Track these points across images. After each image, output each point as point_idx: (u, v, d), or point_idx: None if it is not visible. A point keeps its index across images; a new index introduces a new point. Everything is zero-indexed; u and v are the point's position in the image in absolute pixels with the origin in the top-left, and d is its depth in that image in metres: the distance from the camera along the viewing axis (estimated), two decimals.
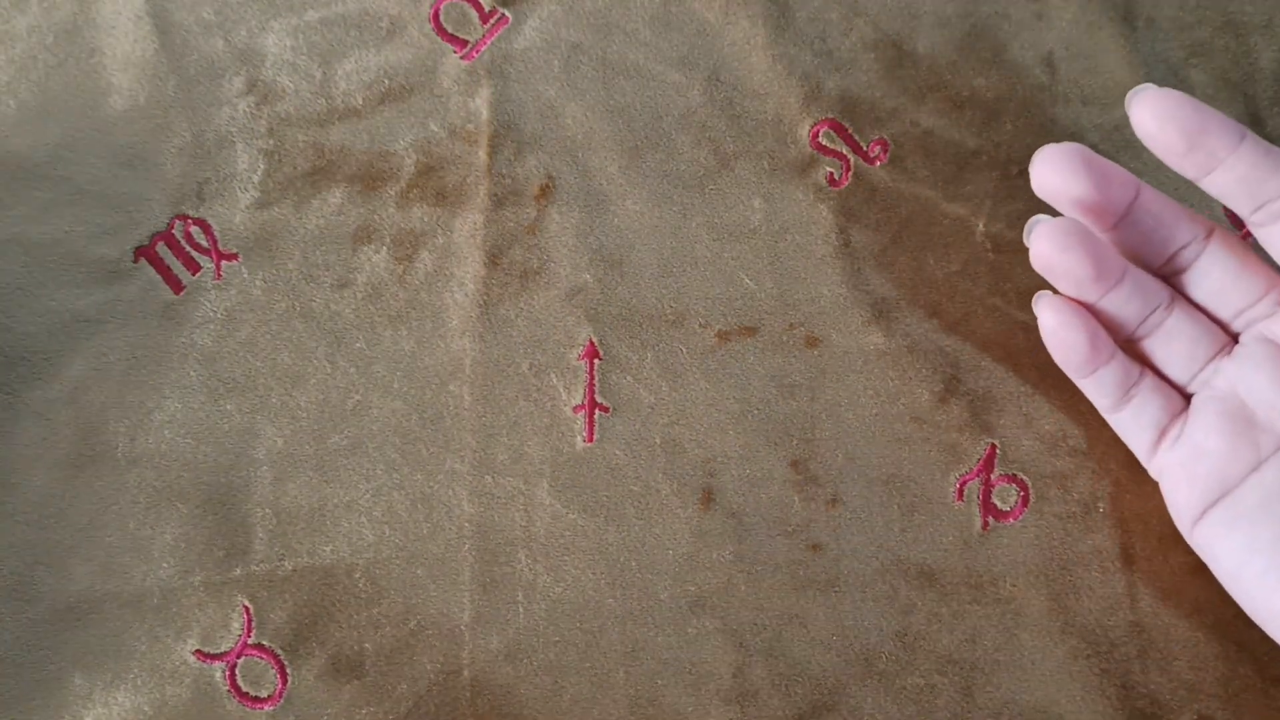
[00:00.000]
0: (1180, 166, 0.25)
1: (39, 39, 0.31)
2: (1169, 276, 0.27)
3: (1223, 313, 0.27)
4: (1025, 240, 0.27)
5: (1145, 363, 0.27)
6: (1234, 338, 0.27)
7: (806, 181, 0.30)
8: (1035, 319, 0.29)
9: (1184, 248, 0.26)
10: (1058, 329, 0.26)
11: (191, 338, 0.30)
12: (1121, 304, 0.26)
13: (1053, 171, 0.25)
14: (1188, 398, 0.27)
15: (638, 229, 0.30)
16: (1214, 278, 0.26)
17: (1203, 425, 0.26)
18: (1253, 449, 0.26)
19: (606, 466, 0.29)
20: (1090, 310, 0.27)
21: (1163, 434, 0.27)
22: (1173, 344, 0.27)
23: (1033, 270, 0.30)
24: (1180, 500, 0.26)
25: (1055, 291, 0.27)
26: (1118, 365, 0.27)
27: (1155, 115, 0.24)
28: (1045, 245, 0.26)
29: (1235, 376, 0.26)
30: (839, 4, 0.31)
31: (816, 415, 0.29)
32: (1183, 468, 0.26)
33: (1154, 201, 0.26)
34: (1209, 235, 0.26)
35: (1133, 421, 0.27)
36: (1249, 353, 0.26)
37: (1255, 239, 0.26)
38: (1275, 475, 0.25)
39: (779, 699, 0.28)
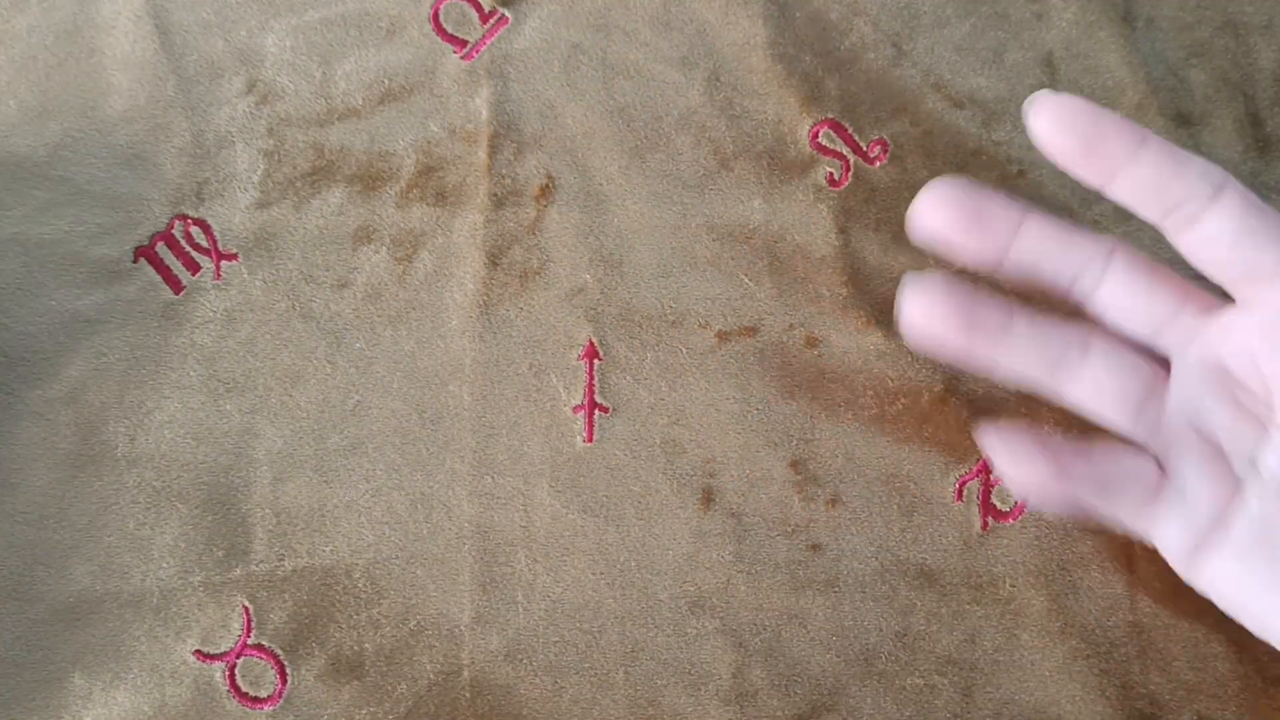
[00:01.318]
0: (1080, 174, 0.24)
1: (39, 39, 0.31)
2: (1080, 306, 0.26)
3: (1142, 333, 0.25)
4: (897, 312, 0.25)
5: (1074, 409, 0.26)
6: (1162, 361, 0.26)
7: (806, 181, 0.30)
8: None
9: (1083, 272, 0.25)
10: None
11: (191, 338, 0.30)
12: (1018, 355, 0.25)
13: (928, 213, 0.24)
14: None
15: (638, 229, 0.30)
16: (1123, 299, 0.25)
17: (1186, 472, 0.25)
18: (1228, 478, 0.24)
19: (606, 466, 0.29)
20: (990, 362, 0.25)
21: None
22: (1100, 385, 0.25)
23: None
24: (1173, 548, 0.25)
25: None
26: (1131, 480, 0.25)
27: (1050, 121, 0.23)
28: (917, 317, 0.25)
29: (1182, 410, 0.25)
30: (839, 4, 0.31)
31: (816, 415, 0.29)
32: (1171, 517, 0.25)
33: (1043, 228, 0.25)
34: (1110, 254, 0.25)
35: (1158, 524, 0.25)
36: (1188, 379, 0.25)
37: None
38: (1258, 504, 0.24)
39: (779, 699, 0.28)
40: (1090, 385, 0.25)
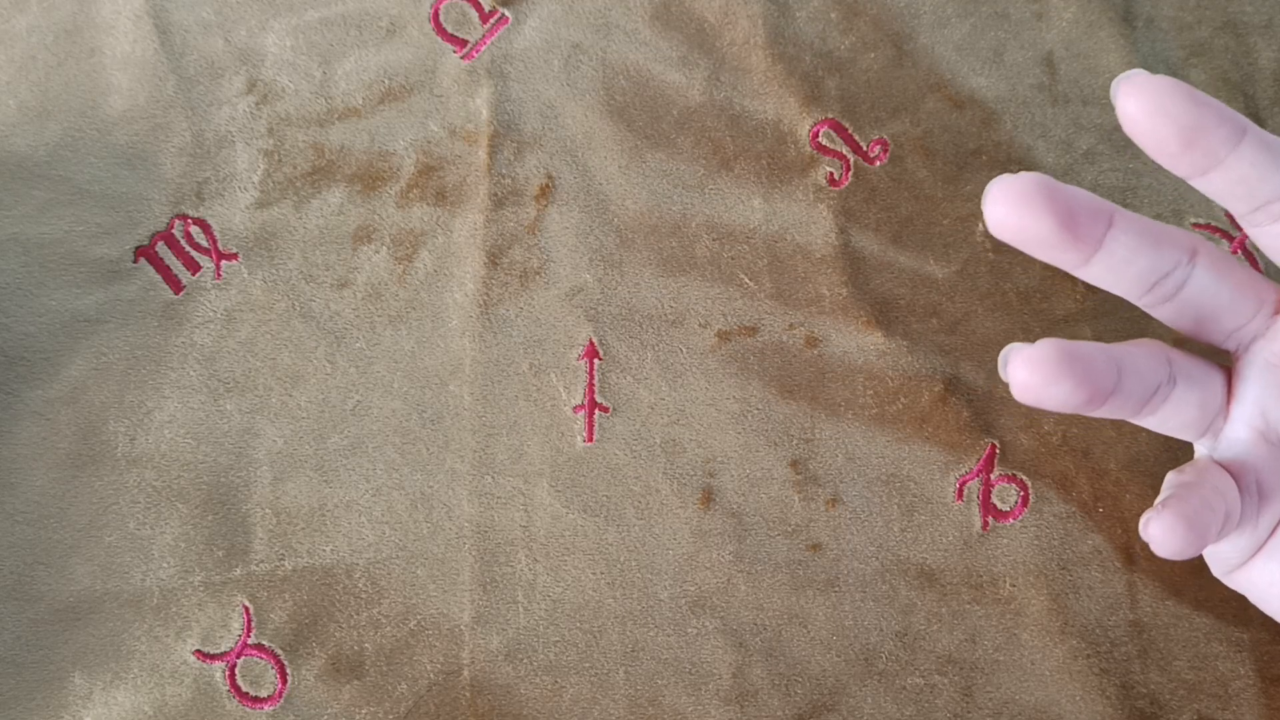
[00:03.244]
0: (1172, 165, 0.22)
1: (39, 39, 0.31)
2: (1153, 305, 0.24)
3: (1214, 337, 0.24)
4: (1001, 373, 0.23)
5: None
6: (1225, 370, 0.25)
7: (806, 181, 0.30)
8: (1034, 319, 0.29)
9: (1168, 275, 0.23)
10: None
11: (191, 338, 0.30)
12: (1120, 408, 0.23)
13: (1011, 210, 0.21)
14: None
15: (638, 229, 0.30)
16: (1205, 302, 0.23)
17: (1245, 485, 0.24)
18: None
19: (606, 466, 0.29)
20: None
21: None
22: (1182, 411, 0.24)
23: (1032, 270, 0.30)
24: (1224, 559, 0.25)
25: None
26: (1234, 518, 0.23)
27: (1146, 108, 0.21)
28: (1028, 378, 0.22)
29: (1248, 417, 0.24)
30: (839, 4, 0.31)
31: (816, 415, 0.29)
32: (1237, 534, 0.24)
33: (1131, 228, 0.22)
34: (1193, 256, 0.23)
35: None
36: (1257, 381, 0.24)
37: (1250, 239, 0.24)
38: None
39: (779, 699, 0.28)
40: (1172, 411, 0.24)
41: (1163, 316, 0.24)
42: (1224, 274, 0.23)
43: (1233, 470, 0.24)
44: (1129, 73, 0.21)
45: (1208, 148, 0.21)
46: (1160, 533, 0.22)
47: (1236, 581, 0.25)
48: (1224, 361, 0.25)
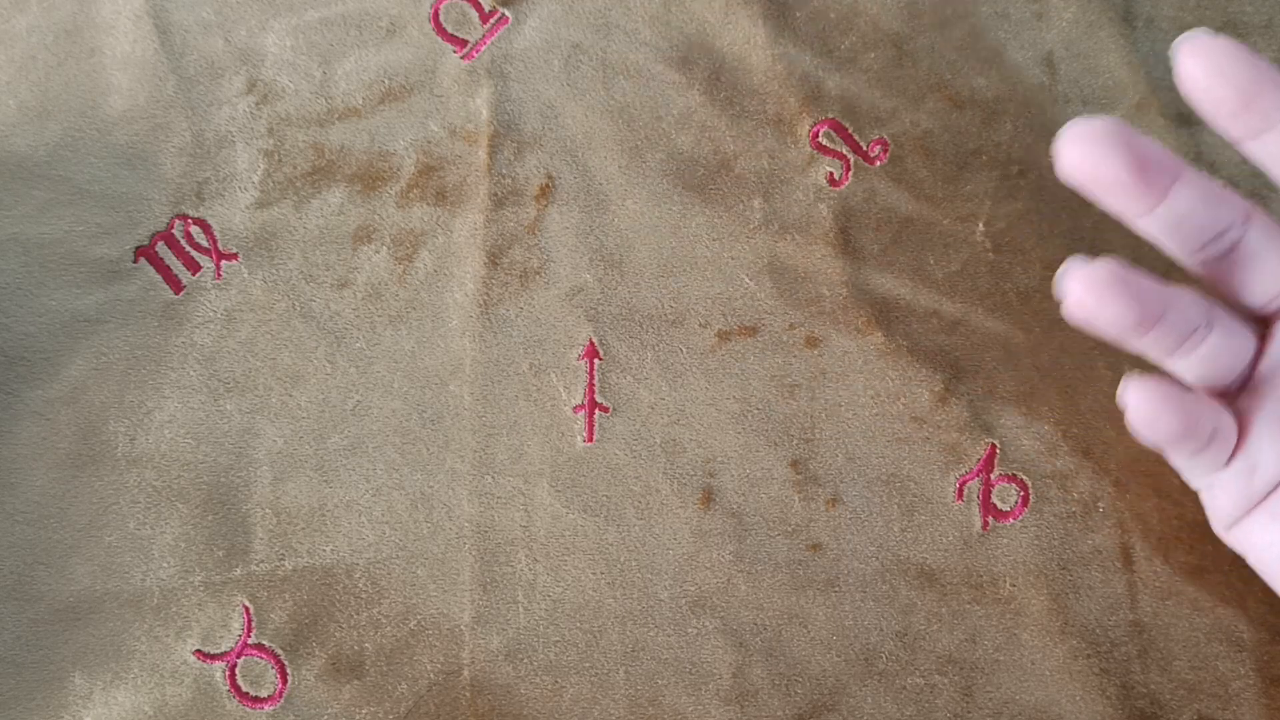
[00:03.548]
0: (1226, 126, 0.22)
1: (39, 39, 0.31)
2: (1203, 264, 0.24)
3: (1256, 299, 0.24)
4: (1056, 291, 0.24)
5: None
6: (1264, 322, 0.25)
7: (806, 181, 0.30)
8: (1034, 318, 0.29)
9: (1223, 234, 0.23)
10: (1147, 421, 0.23)
11: (191, 338, 0.30)
12: (1159, 340, 0.24)
13: (1087, 152, 0.22)
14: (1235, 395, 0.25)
15: (638, 229, 0.30)
16: (1253, 265, 0.24)
17: (1262, 442, 0.24)
18: None
19: (606, 466, 0.29)
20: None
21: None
22: (1216, 360, 0.24)
23: (1032, 270, 0.30)
24: (1221, 509, 0.25)
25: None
26: (1221, 441, 0.24)
27: (1206, 66, 0.21)
28: (1084, 294, 0.23)
29: (1274, 375, 0.24)
30: (839, 4, 0.31)
31: (816, 415, 0.29)
32: (1233, 482, 0.25)
33: (1196, 183, 0.23)
34: (1248, 219, 0.24)
35: (1196, 466, 0.25)
36: None
37: None
38: None
39: (779, 699, 0.28)
40: (1204, 360, 0.24)
41: (1210, 275, 0.25)
42: (1276, 239, 0.24)
43: (1242, 412, 0.25)
44: (1191, 32, 0.22)
45: (1264, 110, 0.21)
46: (1138, 398, 0.23)
47: (1236, 540, 0.26)
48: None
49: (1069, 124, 0.22)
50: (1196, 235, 0.24)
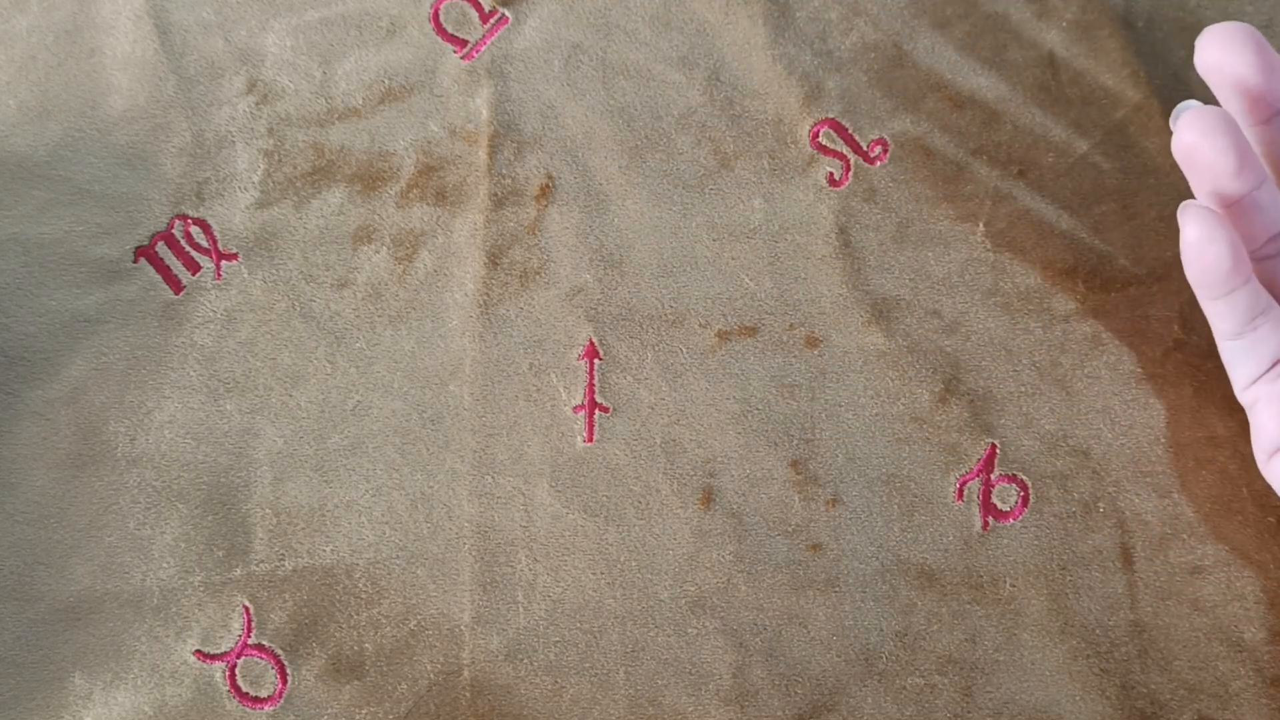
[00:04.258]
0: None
1: (39, 39, 0.31)
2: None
3: None
4: (1171, 124, 0.26)
5: (1271, 285, 0.27)
6: None
7: (806, 181, 0.30)
8: (1034, 318, 0.29)
9: None
10: (1202, 242, 0.25)
11: (191, 338, 0.30)
12: (1257, 212, 0.26)
13: (1223, 50, 0.25)
14: None
15: (638, 229, 0.30)
16: None
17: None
18: None
19: (606, 466, 0.29)
20: (1228, 217, 0.26)
21: (1273, 365, 0.26)
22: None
23: (1032, 270, 0.30)
24: (1266, 430, 0.26)
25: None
26: (1252, 289, 0.26)
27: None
28: (1191, 133, 0.24)
29: None
30: (839, 4, 0.31)
31: (816, 415, 0.29)
32: (1277, 400, 0.26)
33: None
34: None
35: (1248, 351, 0.26)
36: None
37: None
38: None
39: (779, 699, 0.28)
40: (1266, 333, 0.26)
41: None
42: None
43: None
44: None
45: (1257, 165, 0.24)
46: (1194, 224, 0.25)
47: (1272, 470, 0.26)
48: None
49: (1208, 28, 0.25)
50: (1265, 231, 0.26)
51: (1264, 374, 0.26)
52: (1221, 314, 0.26)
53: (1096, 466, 0.29)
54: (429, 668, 0.28)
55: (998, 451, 0.29)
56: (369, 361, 0.30)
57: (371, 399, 0.29)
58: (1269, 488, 0.28)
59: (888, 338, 0.29)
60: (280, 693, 0.28)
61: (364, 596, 0.28)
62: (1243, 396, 0.27)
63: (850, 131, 0.30)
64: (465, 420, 0.29)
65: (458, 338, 0.30)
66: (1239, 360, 0.27)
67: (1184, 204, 0.25)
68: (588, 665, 0.28)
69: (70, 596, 0.28)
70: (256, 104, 0.31)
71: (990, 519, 0.29)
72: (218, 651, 0.28)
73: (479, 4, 0.31)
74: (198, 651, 0.28)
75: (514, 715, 0.28)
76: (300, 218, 0.30)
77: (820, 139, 0.30)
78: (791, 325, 0.30)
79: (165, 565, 0.29)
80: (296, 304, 0.30)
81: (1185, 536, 0.28)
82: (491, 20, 0.31)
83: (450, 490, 0.29)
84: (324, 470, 0.29)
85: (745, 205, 0.30)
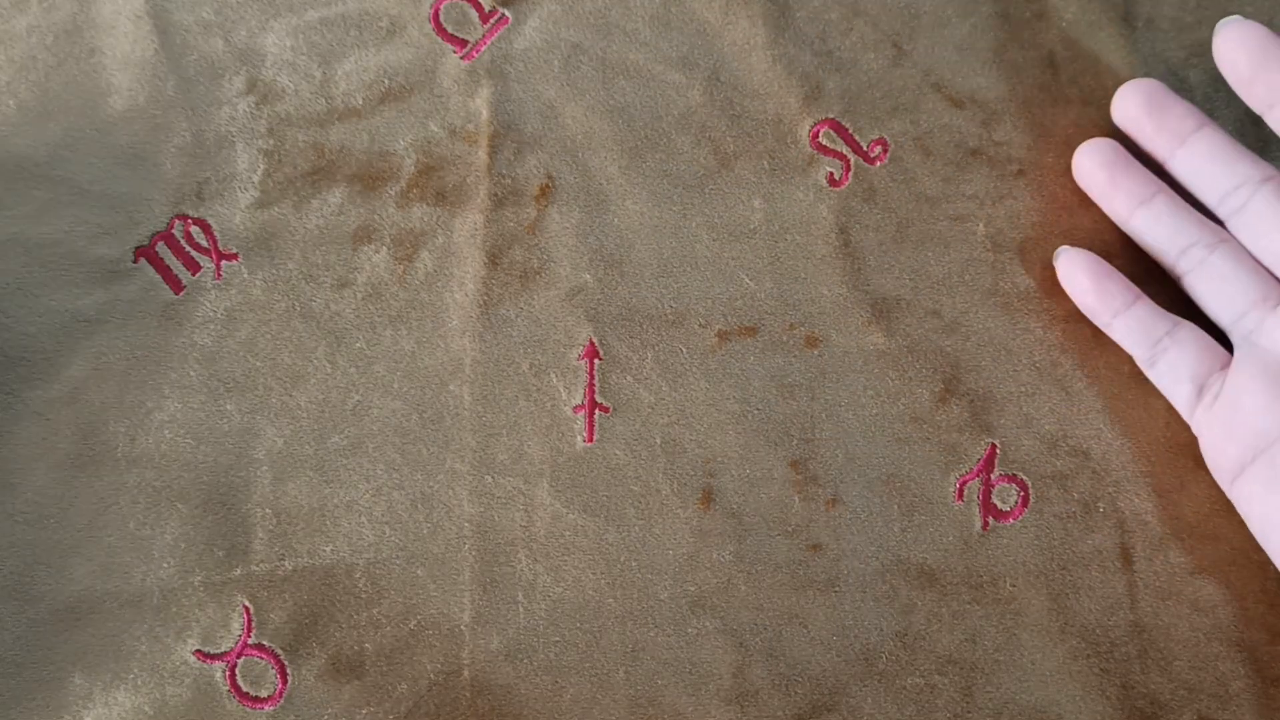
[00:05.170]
0: (1246, 96, 0.26)
1: (39, 39, 0.31)
2: (1223, 219, 0.27)
3: (1271, 262, 0.27)
4: (1074, 164, 0.29)
5: (1188, 306, 0.28)
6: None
7: (806, 181, 0.30)
8: (1034, 318, 0.29)
9: (1237, 189, 0.27)
10: (1064, 273, 0.28)
11: (191, 338, 0.30)
12: (1153, 226, 0.27)
13: (1123, 104, 0.28)
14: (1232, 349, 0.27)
15: (638, 229, 0.30)
16: (1265, 224, 0.26)
17: (1242, 382, 0.26)
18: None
19: (606, 466, 0.29)
20: (1125, 229, 0.28)
21: (1201, 389, 0.27)
22: (1215, 284, 0.27)
23: (1032, 270, 0.30)
24: (1217, 457, 0.27)
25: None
26: (1141, 313, 0.27)
27: (1229, 40, 0.26)
28: (1084, 160, 0.28)
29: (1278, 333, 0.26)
30: (839, 4, 0.31)
31: (816, 415, 0.29)
32: (1222, 425, 0.26)
33: (1214, 139, 0.27)
34: (1265, 180, 0.26)
35: (1169, 375, 0.27)
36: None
37: None
38: None
39: (779, 699, 0.28)
40: (1205, 279, 0.27)
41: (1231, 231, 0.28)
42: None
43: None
44: (1228, 20, 0.26)
45: (1272, 83, 0.25)
46: (1064, 261, 0.28)
47: (1235, 494, 0.27)
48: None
49: (1129, 82, 0.28)
50: (1208, 193, 0.27)
51: (1199, 398, 0.27)
52: (1122, 340, 0.28)
53: (1096, 466, 0.29)
54: (429, 668, 0.28)
55: (998, 451, 0.29)
56: (369, 361, 0.30)
57: (371, 399, 0.29)
58: None
59: (888, 337, 0.29)
60: (280, 692, 0.28)
61: (364, 596, 0.28)
62: (1191, 424, 0.28)
63: (850, 131, 0.30)
64: (465, 420, 0.29)
65: (458, 338, 0.30)
66: (1168, 389, 0.28)
67: (1060, 248, 0.29)
68: (588, 665, 0.28)
69: (70, 596, 0.28)
70: (256, 104, 0.31)
71: (990, 519, 0.29)
72: (218, 651, 0.28)
73: (479, 4, 0.31)
74: (198, 651, 0.28)
75: (514, 715, 0.28)
76: (300, 218, 0.30)
77: (820, 139, 0.30)
78: (791, 325, 0.30)
79: (165, 565, 0.29)
80: (296, 304, 0.30)
81: (1185, 536, 0.28)
82: (491, 20, 0.31)
83: (450, 490, 0.29)
84: (324, 470, 0.29)
85: (745, 205, 0.30)
